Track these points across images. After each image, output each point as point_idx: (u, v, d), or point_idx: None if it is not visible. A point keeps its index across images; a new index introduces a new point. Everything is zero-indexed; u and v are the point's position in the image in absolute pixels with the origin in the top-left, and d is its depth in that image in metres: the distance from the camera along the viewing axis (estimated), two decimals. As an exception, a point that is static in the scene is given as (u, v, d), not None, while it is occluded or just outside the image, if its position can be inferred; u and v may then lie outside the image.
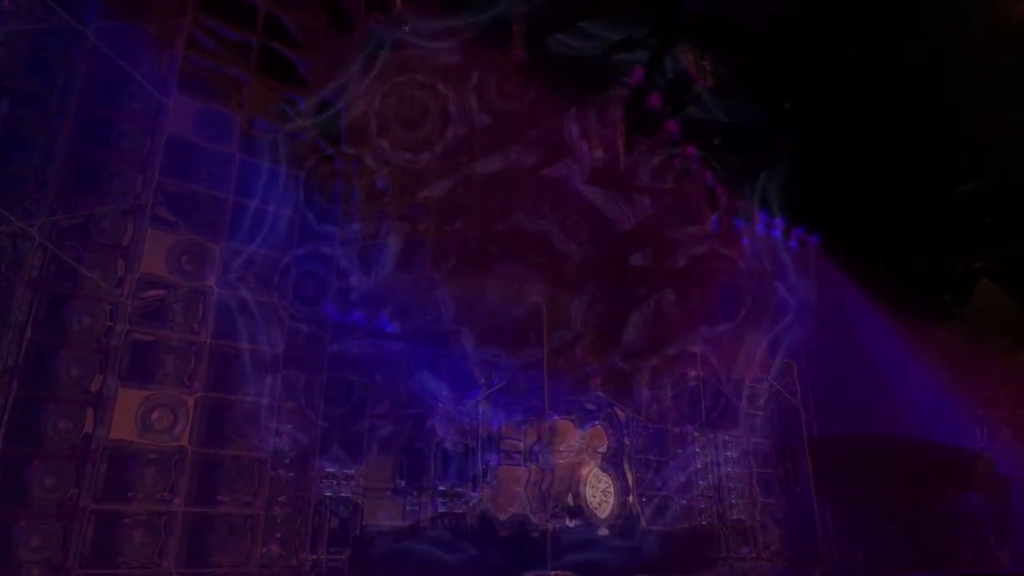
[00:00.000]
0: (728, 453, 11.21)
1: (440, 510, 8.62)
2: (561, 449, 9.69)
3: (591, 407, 10.31)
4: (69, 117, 7.74)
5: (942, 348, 12.00)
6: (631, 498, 9.94)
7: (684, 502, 10.60)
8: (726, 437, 11.29)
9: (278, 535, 7.78)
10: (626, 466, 10.13)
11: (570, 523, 9.21)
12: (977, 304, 12.09)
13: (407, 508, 8.67)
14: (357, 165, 10.28)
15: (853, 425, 12.15)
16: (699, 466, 10.94)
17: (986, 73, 10.32)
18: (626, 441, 10.37)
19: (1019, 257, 11.66)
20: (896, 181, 11.75)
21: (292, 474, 8.01)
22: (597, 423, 10.28)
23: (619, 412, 10.52)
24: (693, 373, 11.43)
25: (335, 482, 8.28)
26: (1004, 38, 9.81)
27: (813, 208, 12.52)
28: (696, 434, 11.12)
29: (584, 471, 9.67)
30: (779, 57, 11.05)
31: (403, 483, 8.80)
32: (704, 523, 10.69)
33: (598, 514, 9.52)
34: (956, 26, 9.86)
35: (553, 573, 8.16)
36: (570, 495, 9.45)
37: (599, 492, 9.68)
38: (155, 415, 7.38)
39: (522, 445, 9.48)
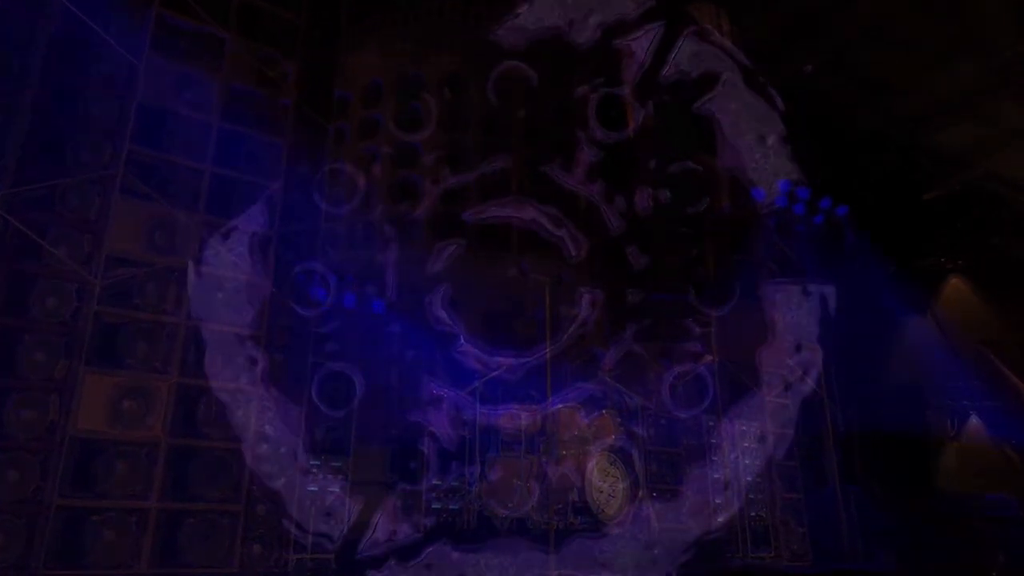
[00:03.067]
0: (746, 444, 10.60)
1: (434, 506, 8.18)
2: (565, 440, 9.19)
3: (597, 395, 9.78)
4: (32, 81, 7.26)
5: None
6: (640, 493, 9.41)
7: (698, 497, 10.04)
8: (744, 427, 10.67)
9: (259, 533, 7.35)
10: (635, 458, 9.60)
11: (574, 520, 8.72)
12: (947, 301, 13.02)
13: (398, 504, 8.19)
14: (346, 135, 9.69)
15: (881, 416, 11.58)
16: (714, 458, 10.36)
17: (955, 90, 10.98)
18: (635, 431, 9.84)
19: (985, 258, 12.60)
20: (874, 187, 12.53)
21: (275, 468, 7.54)
22: (604, 412, 9.74)
23: (628, 400, 9.97)
24: (708, 358, 10.79)
25: (321, 476, 7.81)
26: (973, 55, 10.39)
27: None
28: (711, 424, 10.52)
29: (590, 464, 9.16)
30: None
31: (394, 477, 8.33)
32: (720, 520, 10.11)
33: (605, 510, 9.02)
34: (928, 42, 10.42)
35: (555, 574, 7.67)
36: (574, 490, 8.97)
37: (606, 487, 9.19)
38: (126, 403, 6.94)
39: (523, 436, 8.99)
